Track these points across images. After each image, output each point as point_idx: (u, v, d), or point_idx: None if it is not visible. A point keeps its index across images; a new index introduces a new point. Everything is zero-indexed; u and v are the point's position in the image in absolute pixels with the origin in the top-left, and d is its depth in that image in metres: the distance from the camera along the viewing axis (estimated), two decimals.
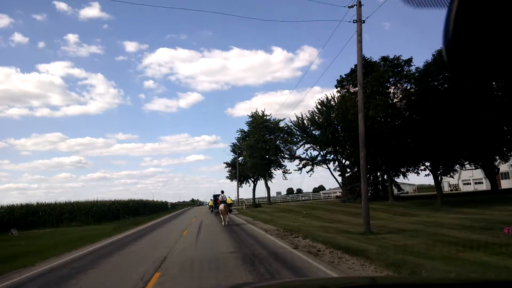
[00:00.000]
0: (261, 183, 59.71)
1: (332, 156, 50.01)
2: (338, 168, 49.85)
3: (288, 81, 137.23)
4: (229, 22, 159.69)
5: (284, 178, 51.43)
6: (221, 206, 20.88)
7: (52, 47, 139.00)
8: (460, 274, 6.22)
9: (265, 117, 50.60)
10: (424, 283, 2.11)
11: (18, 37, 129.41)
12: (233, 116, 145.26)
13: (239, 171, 61.52)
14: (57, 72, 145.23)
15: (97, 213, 36.13)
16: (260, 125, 49.78)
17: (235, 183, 64.42)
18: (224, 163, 65.87)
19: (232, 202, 35.69)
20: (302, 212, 28.41)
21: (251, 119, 51.38)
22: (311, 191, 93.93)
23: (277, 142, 49.37)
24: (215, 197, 36.66)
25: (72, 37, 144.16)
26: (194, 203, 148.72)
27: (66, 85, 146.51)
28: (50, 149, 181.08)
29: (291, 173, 51.43)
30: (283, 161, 52.50)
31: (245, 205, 44.04)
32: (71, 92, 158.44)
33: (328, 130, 45.71)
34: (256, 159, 48.52)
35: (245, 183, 66.34)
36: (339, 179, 49.99)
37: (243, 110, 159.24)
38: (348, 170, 40.89)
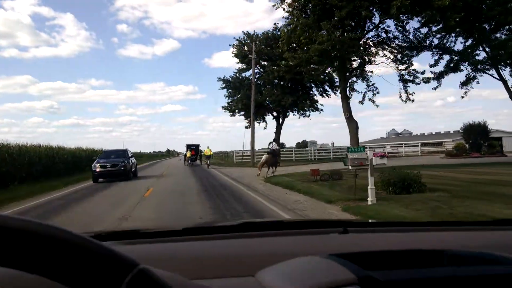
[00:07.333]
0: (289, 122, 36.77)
1: None
2: None
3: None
4: None
5: (405, 97, 22.74)
6: (265, 157, 17.31)
7: None
8: None
9: None
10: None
11: None
12: (210, 66, 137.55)
13: (245, 99, 33.23)
14: (23, 10, 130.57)
15: None
16: None
17: (234, 120, 41.40)
18: (220, 79, 36.51)
19: (211, 154, 31.11)
20: None
21: None
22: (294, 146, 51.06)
23: None
24: (189, 147, 36.77)
25: None
26: (169, 154, 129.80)
27: (35, 24, 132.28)
28: (20, 92, 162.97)
29: (419, 82, 22.28)
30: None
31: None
32: (40, 32, 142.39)
33: None
34: (331, 34, 18.05)
35: (259, 122, 36.71)
36: None
37: (220, 61, 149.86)
38: None
